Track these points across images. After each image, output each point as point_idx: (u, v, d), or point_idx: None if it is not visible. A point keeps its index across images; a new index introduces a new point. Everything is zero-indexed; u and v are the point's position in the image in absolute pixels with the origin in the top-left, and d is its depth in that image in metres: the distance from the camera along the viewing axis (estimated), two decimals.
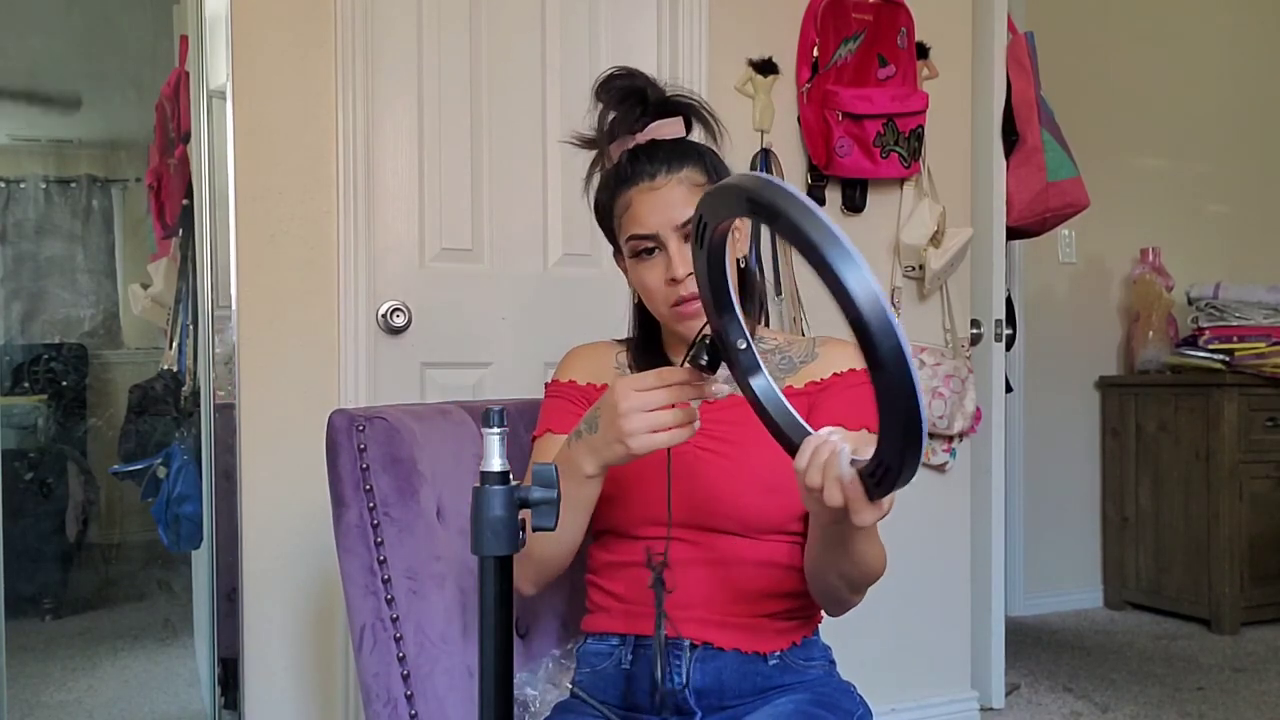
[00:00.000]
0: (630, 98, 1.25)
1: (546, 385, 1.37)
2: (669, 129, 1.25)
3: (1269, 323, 3.66)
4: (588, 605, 1.30)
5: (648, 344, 1.33)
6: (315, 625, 1.99)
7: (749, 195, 0.80)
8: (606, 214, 1.28)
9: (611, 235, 1.30)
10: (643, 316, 1.34)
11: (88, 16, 2.39)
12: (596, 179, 1.32)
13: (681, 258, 1.20)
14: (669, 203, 1.20)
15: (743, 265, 1.30)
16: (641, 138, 1.24)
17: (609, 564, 1.26)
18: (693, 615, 1.20)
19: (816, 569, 1.17)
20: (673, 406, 1.03)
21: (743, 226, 1.30)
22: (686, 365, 1.05)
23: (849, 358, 1.28)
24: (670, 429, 1.04)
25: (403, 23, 2.10)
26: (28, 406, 2.40)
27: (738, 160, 2.39)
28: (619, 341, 1.39)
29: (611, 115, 1.26)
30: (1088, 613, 3.92)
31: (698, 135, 1.30)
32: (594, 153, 1.32)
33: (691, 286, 1.19)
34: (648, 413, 1.03)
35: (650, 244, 1.22)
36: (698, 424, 1.06)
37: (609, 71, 1.27)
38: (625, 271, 1.31)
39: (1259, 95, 4.33)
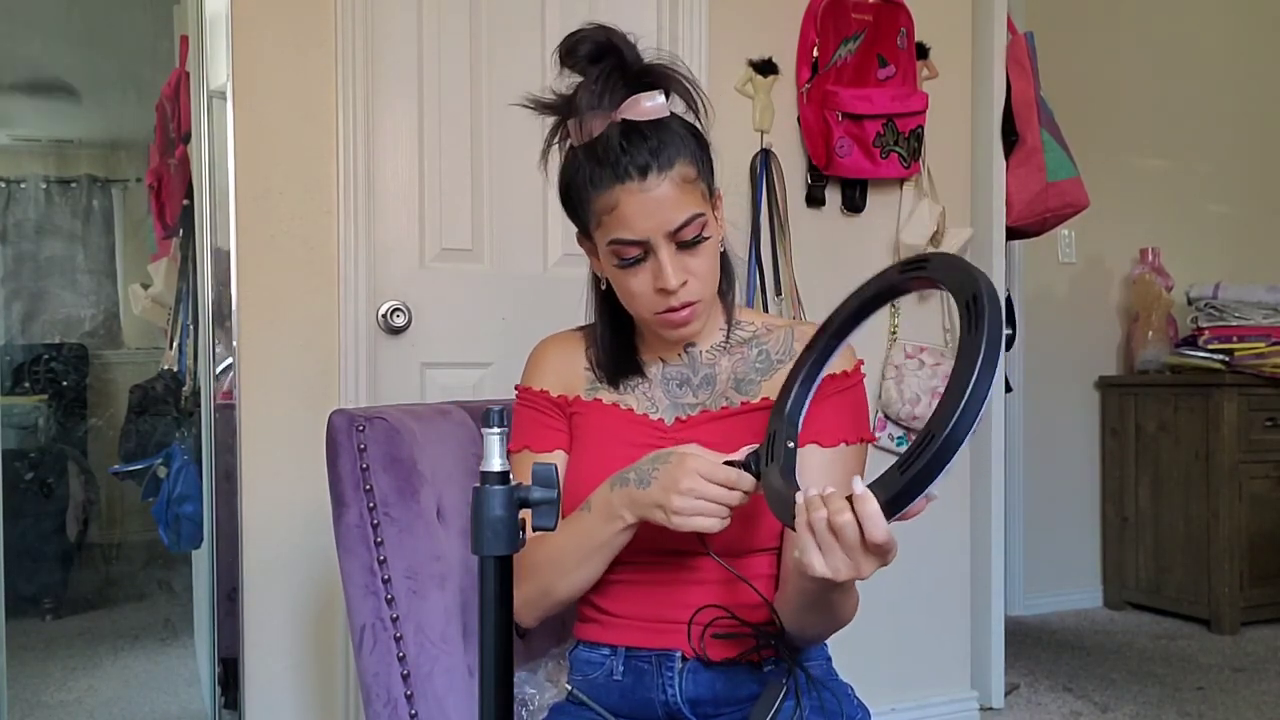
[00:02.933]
0: (604, 64, 1.11)
1: (517, 387, 1.30)
2: (650, 108, 1.10)
3: (1268, 323, 3.66)
4: (578, 613, 1.28)
5: (619, 346, 1.25)
6: (315, 625, 1.99)
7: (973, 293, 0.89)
8: (581, 203, 1.14)
9: (580, 220, 1.18)
10: (609, 306, 1.23)
11: (88, 17, 2.39)
12: (556, 151, 1.18)
13: (674, 265, 1.11)
14: (661, 206, 1.09)
15: (722, 249, 1.22)
16: (617, 115, 1.10)
17: (599, 580, 1.22)
18: (682, 629, 1.18)
19: (787, 623, 1.13)
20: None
21: (720, 207, 1.21)
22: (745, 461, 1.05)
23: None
24: (710, 518, 1.03)
25: (403, 22, 2.10)
26: (28, 406, 2.40)
27: (739, 160, 2.39)
28: (585, 331, 1.29)
29: (587, 85, 1.12)
30: (1088, 613, 3.92)
31: (677, 106, 1.17)
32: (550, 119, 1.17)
33: (684, 296, 1.13)
34: (700, 499, 1.03)
35: (637, 250, 1.12)
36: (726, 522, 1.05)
37: (578, 31, 1.12)
38: (589, 254, 1.21)
39: (1259, 95, 4.33)
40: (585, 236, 1.20)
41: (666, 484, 1.04)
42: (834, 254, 2.52)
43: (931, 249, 2.53)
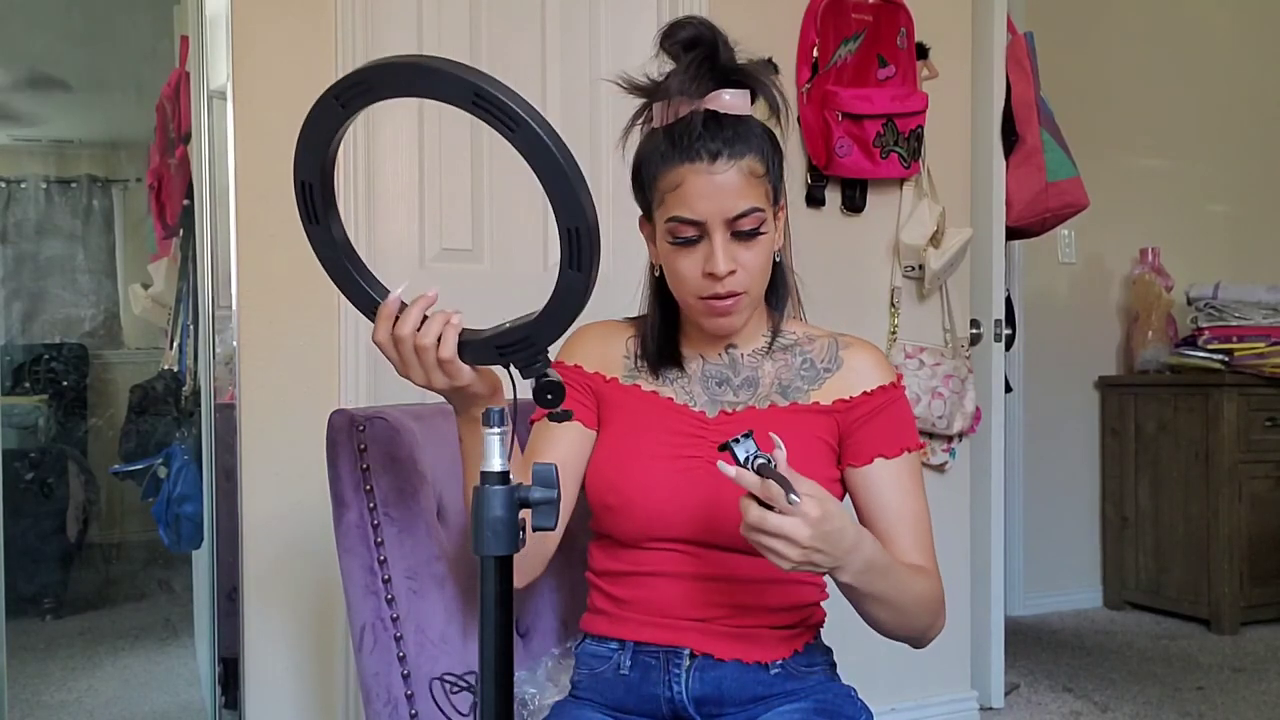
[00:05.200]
0: (699, 55, 1.15)
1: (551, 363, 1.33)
2: (734, 103, 1.14)
3: (1268, 323, 3.66)
4: (588, 604, 1.29)
5: (666, 333, 1.26)
6: (315, 625, 1.99)
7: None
8: (649, 181, 1.17)
9: (645, 200, 1.21)
10: (662, 296, 1.25)
11: (88, 17, 2.39)
12: (637, 132, 1.20)
13: (725, 252, 1.13)
14: (724, 191, 1.11)
15: (778, 260, 1.24)
16: (701, 105, 1.13)
17: (612, 571, 1.24)
18: (693, 626, 1.19)
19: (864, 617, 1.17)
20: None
21: (783, 218, 1.23)
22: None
23: (873, 368, 1.24)
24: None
25: (403, 22, 2.10)
26: (28, 406, 2.40)
27: None
28: (631, 322, 1.32)
29: (677, 70, 1.15)
30: (1088, 613, 3.92)
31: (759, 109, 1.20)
32: (640, 101, 1.20)
33: (730, 285, 1.14)
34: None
35: (693, 231, 1.14)
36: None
37: (679, 20, 1.18)
38: (648, 240, 1.23)
39: (1259, 95, 4.33)
40: (647, 219, 1.22)
41: None
42: (834, 254, 2.52)
43: (932, 250, 2.52)
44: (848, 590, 1.09)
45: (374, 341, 1.03)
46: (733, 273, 1.14)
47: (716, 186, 1.12)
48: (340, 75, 1.96)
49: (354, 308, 1.07)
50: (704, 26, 1.17)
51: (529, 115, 0.87)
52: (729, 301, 1.16)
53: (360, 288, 1.04)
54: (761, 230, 1.15)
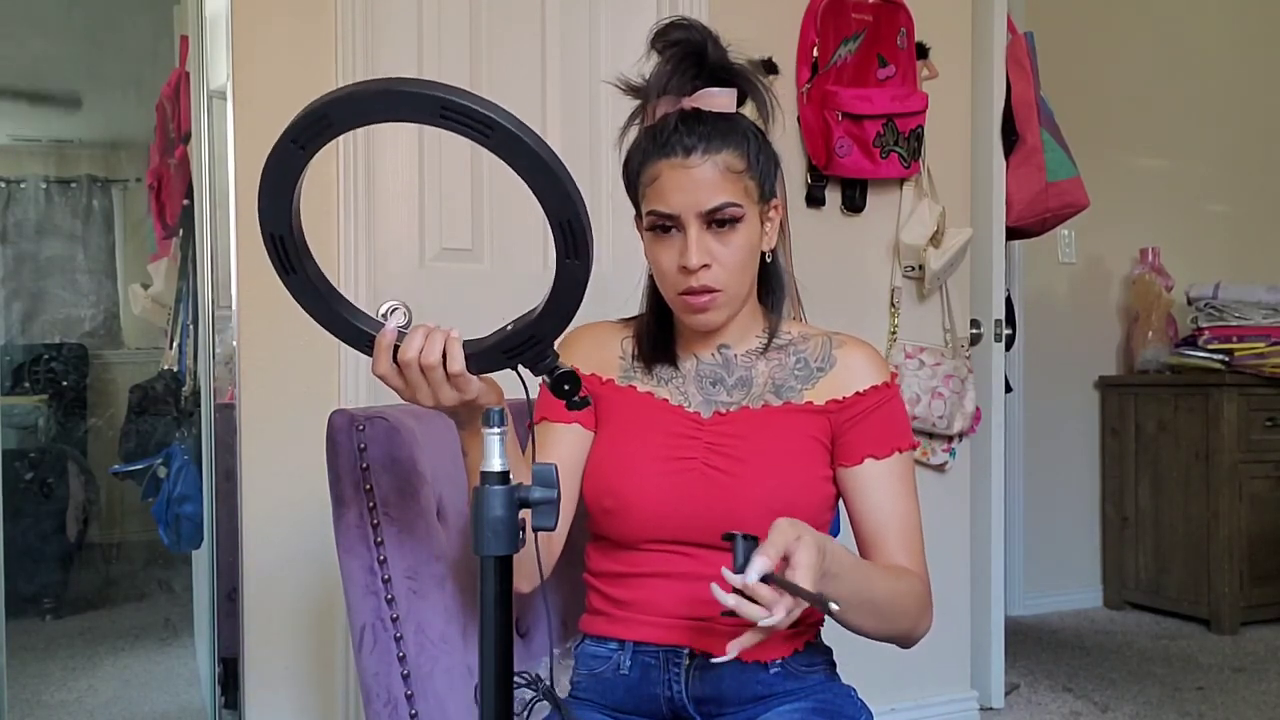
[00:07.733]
0: (687, 55, 1.17)
1: None
2: (719, 101, 1.16)
3: (1268, 323, 3.66)
4: (587, 605, 1.29)
5: (659, 331, 1.26)
6: (315, 625, 1.99)
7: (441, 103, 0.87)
8: (633, 178, 1.20)
9: (634, 197, 1.22)
10: (657, 298, 1.26)
11: (88, 17, 2.39)
12: (633, 132, 1.22)
13: (699, 245, 1.13)
14: (697, 185, 1.13)
15: (769, 260, 1.24)
16: (687, 103, 1.15)
17: (610, 572, 1.24)
18: (691, 626, 1.19)
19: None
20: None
21: (775, 218, 1.23)
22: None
23: (867, 367, 1.23)
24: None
25: (403, 23, 2.10)
26: (28, 406, 2.40)
27: None
28: (627, 322, 1.32)
29: (663, 69, 1.18)
30: (1087, 613, 3.92)
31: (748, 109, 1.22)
32: (636, 102, 1.22)
33: (704, 279, 1.14)
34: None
35: (669, 224, 1.15)
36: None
37: (669, 19, 1.20)
38: (643, 239, 1.24)
39: (1259, 95, 4.33)
40: (639, 216, 1.23)
41: None
42: (834, 254, 2.52)
43: (932, 250, 2.52)
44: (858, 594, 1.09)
45: (375, 375, 1.02)
46: (706, 267, 1.14)
47: (691, 180, 1.13)
48: (339, 75, 1.97)
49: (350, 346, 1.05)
50: (693, 28, 1.18)
51: (500, 117, 0.86)
52: (705, 298, 1.16)
53: (351, 326, 1.02)
54: (738, 226, 1.15)
